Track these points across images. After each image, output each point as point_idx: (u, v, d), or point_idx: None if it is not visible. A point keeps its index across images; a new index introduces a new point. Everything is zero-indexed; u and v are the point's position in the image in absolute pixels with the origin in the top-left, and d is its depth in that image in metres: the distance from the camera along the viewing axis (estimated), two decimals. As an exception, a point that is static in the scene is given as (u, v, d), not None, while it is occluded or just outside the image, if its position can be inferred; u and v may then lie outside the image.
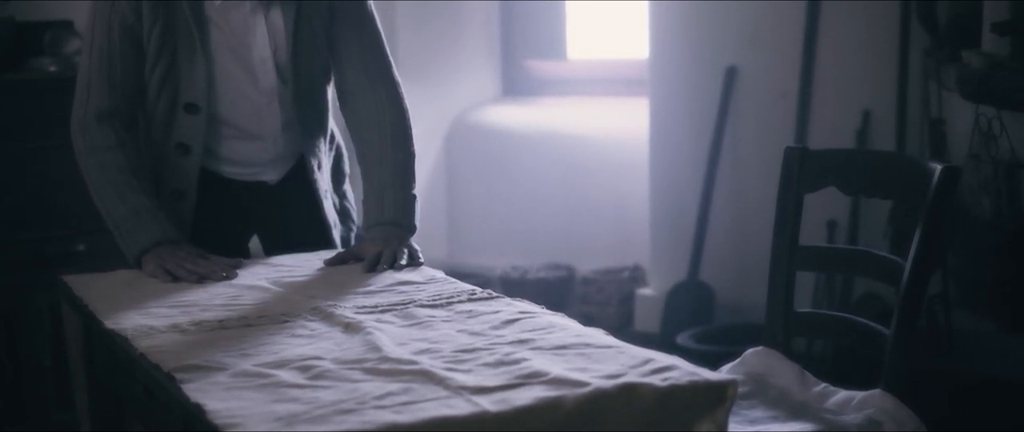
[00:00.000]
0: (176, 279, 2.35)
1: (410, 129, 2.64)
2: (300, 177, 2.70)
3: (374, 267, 2.41)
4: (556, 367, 1.67)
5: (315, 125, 2.69)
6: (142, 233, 2.44)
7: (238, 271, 2.41)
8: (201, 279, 2.34)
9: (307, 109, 2.64)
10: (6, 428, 3.58)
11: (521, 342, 1.81)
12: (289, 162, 2.71)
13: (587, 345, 1.79)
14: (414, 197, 2.61)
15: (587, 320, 2.80)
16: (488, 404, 1.54)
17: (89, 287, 2.28)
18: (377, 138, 2.60)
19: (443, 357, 1.74)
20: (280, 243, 2.70)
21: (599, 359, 1.71)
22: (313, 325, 1.95)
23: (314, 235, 2.70)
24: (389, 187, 2.57)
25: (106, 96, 2.50)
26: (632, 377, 1.62)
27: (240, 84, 2.57)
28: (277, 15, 2.54)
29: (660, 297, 4.75)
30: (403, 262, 2.44)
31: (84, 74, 2.53)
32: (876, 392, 2.13)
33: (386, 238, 2.51)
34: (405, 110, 2.64)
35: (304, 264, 2.47)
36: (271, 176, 2.70)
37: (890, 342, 2.15)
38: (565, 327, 1.89)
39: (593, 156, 5.10)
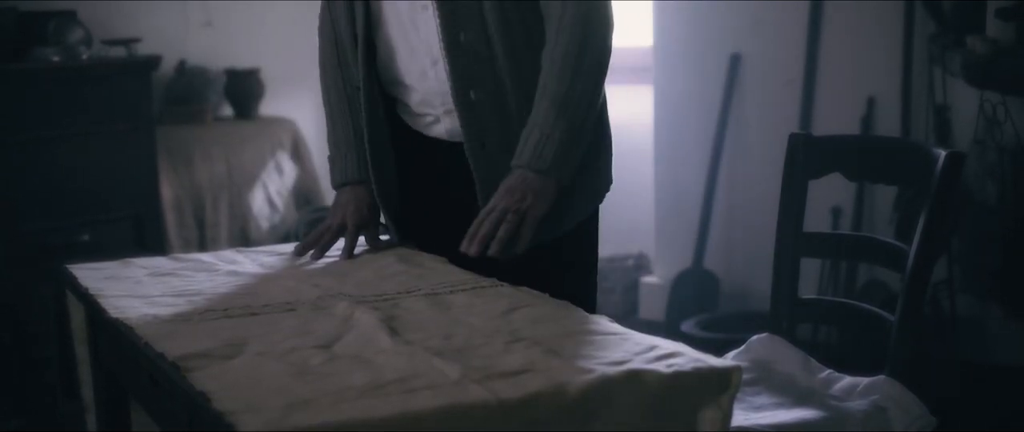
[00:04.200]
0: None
1: (586, 56, 2.15)
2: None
3: (477, 248, 2.09)
4: (561, 354, 1.67)
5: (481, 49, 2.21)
6: (336, 171, 2.44)
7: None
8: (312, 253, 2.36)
9: (480, 25, 2.20)
10: (13, 419, 3.58)
11: (526, 329, 1.81)
12: None
13: (592, 332, 1.79)
14: (570, 140, 2.14)
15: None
16: (493, 391, 1.54)
17: (93, 277, 2.28)
18: (546, 64, 2.16)
19: (448, 344, 1.74)
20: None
21: (604, 346, 1.71)
22: (318, 313, 1.95)
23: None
24: (538, 126, 2.14)
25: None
26: (637, 364, 1.62)
27: None
28: None
29: (665, 285, 4.75)
30: (501, 235, 2.08)
31: None
32: (881, 378, 2.13)
33: (510, 189, 2.13)
34: (588, 33, 2.15)
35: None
36: (445, 129, 2.31)
37: (895, 328, 2.15)
38: (570, 315, 1.89)
39: (597, 144, 5.09)
